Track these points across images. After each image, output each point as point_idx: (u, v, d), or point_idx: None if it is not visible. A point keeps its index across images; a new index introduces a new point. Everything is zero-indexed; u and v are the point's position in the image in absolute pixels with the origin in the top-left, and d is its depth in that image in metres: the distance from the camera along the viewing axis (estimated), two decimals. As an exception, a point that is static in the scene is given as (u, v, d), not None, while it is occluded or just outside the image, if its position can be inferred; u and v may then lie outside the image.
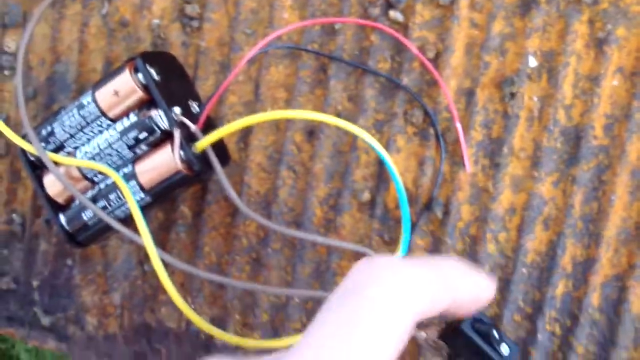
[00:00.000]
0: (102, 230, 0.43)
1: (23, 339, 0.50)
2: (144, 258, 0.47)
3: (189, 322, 0.46)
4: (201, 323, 0.41)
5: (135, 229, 0.41)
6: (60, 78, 0.48)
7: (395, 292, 0.29)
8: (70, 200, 0.44)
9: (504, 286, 0.43)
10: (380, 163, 0.43)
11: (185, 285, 0.46)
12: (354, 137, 0.43)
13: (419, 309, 0.29)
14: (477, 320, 0.38)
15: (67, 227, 0.44)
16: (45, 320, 0.50)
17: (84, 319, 0.49)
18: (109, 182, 0.42)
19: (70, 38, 0.47)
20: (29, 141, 0.42)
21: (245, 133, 0.45)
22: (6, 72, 0.48)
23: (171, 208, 0.46)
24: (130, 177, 0.42)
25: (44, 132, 0.43)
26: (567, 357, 0.43)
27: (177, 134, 0.41)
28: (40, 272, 0.49)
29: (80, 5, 0.47)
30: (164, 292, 0.46)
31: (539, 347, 0.43)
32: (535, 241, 0.42)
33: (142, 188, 0.42)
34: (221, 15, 0.45)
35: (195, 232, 0.46)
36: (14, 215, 0.49)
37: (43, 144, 0.43)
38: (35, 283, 0.50)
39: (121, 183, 0.41)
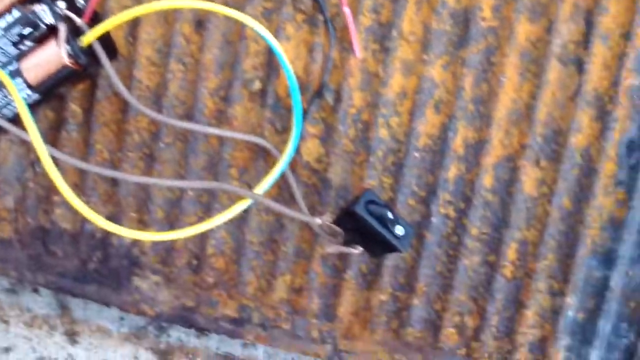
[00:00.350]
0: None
1: None
2: (35, 159, 0.45)
3: (84, 222, 0.45)
4: (96, 219, 0.40)
5: (24, 129, 0.40)
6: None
7: None
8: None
9: (397, 171, 0.42)
10: (270, 52, 0.42)
11: (79, 185, 0.45)
12: (243, 27, 0.42)
13: None
14: (370, 202, 0.38)
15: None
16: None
17: (-22, 225, 0.48)
18: None
19: None
20: None
21: (133, 26, 0.44)
22: None
23: (60, 106, 0.45)
24: (15, 74, 0.41)
25: None
26: (461, 239, 0.43)
27: (62, 28, 0.40)
28: None
29: None
30: (57, 192, 0.45)
31: (433, 231, 0.43)
32: (427, 125, 0.42)
33: (28, 85, 0.41)
34: None
35: (86, 129, 0.45)
36: None
37: None
38: None
39: (7, 80, 0.40)
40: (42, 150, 0.39)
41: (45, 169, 0.39)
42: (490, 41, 0.41)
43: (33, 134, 0.39)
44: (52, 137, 0.45)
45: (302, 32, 0.42)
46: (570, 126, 0.41)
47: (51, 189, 0.45)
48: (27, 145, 0.45)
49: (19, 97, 0.40)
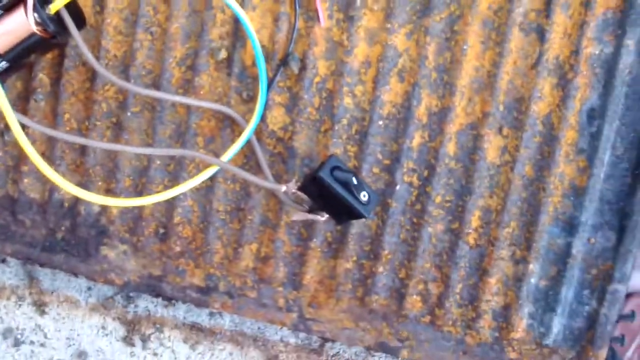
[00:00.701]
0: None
1: None
2: (4, 128, 0.46)
3: (52, 192, 0.45)
4: (66, 185, 0.41)
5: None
6: None
7: None
8: None
9: (362, 139, 0.43)
10: (236, 21, 0.42)
11: (47, 154, 0.45)
12: None
13: None
14: (335, 168, 0.38)
15: None
16: None
17: (-53, 196, 0.48)
18: None
19: None
20: None
21: (99, -3, 0.44)
22: None
23: (29, 76, 0.45)
24: None
25: None
26: (425, 206, 0.43)
27: (29, -2, 0.40)
28: None
29: None
30: (26, 162, 0.45)
31: (397, 198, 0.43)
32: (390, 93, 0.42)
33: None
34: None
35: (54, 99, 0.45)
36: None
37: None
38: None
39: None
40: (12, 119, 0.39)
41: (15, 137, 0.39)
42: (452, 9, 0.42)
43: (2, 102, 0.39)
44: (21, 106, 0.45)
45: (267, 1, 0.43)
46: (532, 94, 0.42)
47: (20, 158, 0.46)
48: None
49: None
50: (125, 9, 0.44)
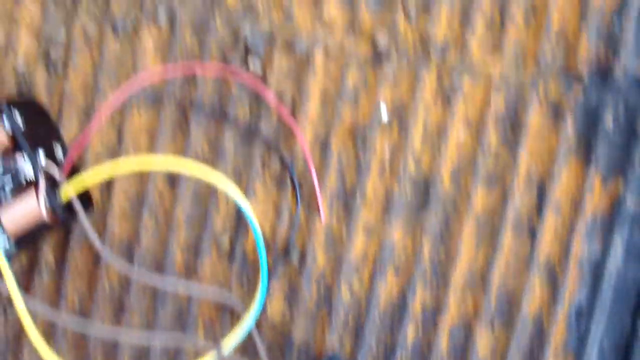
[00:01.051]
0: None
1: None
2: (7, 304, 0.47)
3: (51, 367, 0.46)
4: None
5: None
6: None
7: None
8: None
9: (358, 330, 0.44)
10: (239, 210, 0.44)
11: (48, 330, 0.46)
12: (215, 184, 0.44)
13: None
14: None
15: None
16: None
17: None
18: None
19: None
20: None
21: (107, 183, 0.45)
22: None
23: (35, 253, 0.46)
24: None
25: None
26: (417, 398, 0.44)
27: (42, 183, 0.42)
28: None
29: None
30: (27, 337, 0.46)
31: (390, 390, 0.44)
32: (387, 287, 0.44)
33: (7, 236, 0.42)
34: (85, 60, 0.45)
35: (58, 277, 0.46)
36: None
37: None
38: None
39: None
40: (18, 299, 0.40)
41: (17, 315, 0.40)
42: (448, 208, 0.43)
43: (10, 283, 0.41)
44: (25, 281, 0.46)
45: (270, 193, 0.44)
46: (523, 292, 0.43)
47: (22, 332, 0.47)
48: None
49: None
50: (132, 193, 0.45)
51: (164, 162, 0.43)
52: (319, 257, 0.44)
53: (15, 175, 0.42)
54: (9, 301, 0.46)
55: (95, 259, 0.46)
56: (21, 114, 0.42)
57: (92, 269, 0.46)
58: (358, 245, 0.44)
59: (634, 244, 0.42)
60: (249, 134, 0.44)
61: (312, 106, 0.44)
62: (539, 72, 0.42)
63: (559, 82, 0.42)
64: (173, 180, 0.45)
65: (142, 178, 0.45)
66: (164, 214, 0.45)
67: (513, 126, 0.43)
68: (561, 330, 0.43)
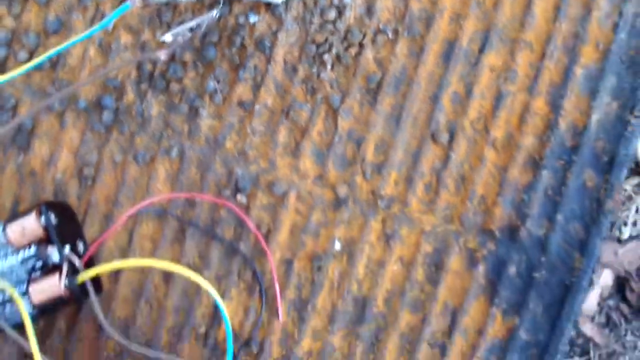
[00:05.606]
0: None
1: None
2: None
3: (52, 415, 0.59)
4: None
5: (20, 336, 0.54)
6: (-26, 208, 0.61)
7: None
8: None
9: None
10: (216, 307, 0.57)
11: (53, 384, 0.59)
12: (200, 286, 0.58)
13: None
14: None
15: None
16: None
17: (-34, 403, 0.61)
18: (6, 297, 0.55)
19: (-13, 178, 0.61)
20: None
21: (117, 270, 0.59)
22: None
23: (51, 321, 0.59)
24: (23, 294, 0.55)
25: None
26: None
27: (65, 268, 0.55)
28: None
29: (1, 152, 0.60)
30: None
31: None
32: (323, 379, 0.57)
33: (32, 304, 0.55)
34: (110, 179, 0.59)
35: (66, 342, 0.59)
36: None
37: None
38: None
39: (17, 298, 0.54)
40: (37, 356, 0.53)
41: None
42: (379, 323, 0.57)
43: (32, 343, 0.53)
44: (40, 342, 0.59)
45: (242, 296, 0.58)
46: (428, 395, 0.56)
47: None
48: (16, 349, 0.59)
49: (25, 312, 0.54)
50: (134, 284, 0.59)
51: (162, 264, 0.57)
52: (274, 350, 0.57)
53: (45, 261, 0.55)
54: (30, 357, 0.58)
55: (98, 332, 0.59)
56: (55, 214, 0.55)
57: (95, 339, 0.59)
58: (306, 343, 0.57)
59: (513, 366, 0.56)
60: (231, 250, 0.58)
61: (283, 235, 0.58)
62: (462, 228, 0.56)
63: (477, 237, 0.56)
64: (167, 277, 0.58)
65: (143, 273, 0.59)
66: (157, 303, 0.58)
67: (437, 267, 0.57)
68: None
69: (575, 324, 0.76)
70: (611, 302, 1.14)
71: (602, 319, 1.13)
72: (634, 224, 1.07)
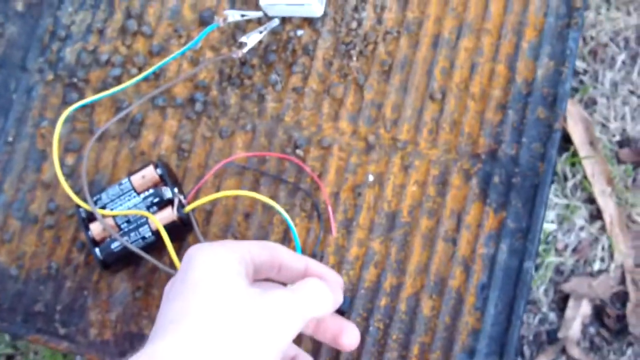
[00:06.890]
0: (124, 257, 0.76)
1: (45, 343, 0.78)
2: (135, 289, 0.79)
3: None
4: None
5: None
6: (97, 183, 0.83)
7: (211, 263, 0.54)
8: (103, 239, 0.77)
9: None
10: (286, 231, 0.78)
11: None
12: (273, 216, 0.79)
13: (239, 259, 0.58)
14: None
15: (100, 256, 0.76)
16: (62, 331, 0.79)
17: (89, 330, 0.79)
18: (131, 226, 0.76)
19: (107, 160, 0.83)
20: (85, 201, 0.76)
21: (207, 215, 0.80)
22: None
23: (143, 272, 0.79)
24: (145, 223, 0.76)
25: (95, 199, 0.77)
26: None
27: (176, 201, 0.76)
28: (63, 300, 0.80)
29: (117, 141, 0.84)
30: (146, 309, 0.77)
31: None
32: (369, 275, 0.77)
33: (151, 230, 0.76)
34: (201, 150, 0.82)
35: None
36: (52, 264, 0.81)
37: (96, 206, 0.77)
38: (58, 307, 0.80)
39: (154, 218, 0.75)
40: (171, 251, 0.73)
41: (142, 296, 0.72)
42: (406, 229, 0.78)
43: (168, 243, 0.73)
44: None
45: (304, 222, 0.79)
46: (449, 276, 0.77)
47: (141, 307, 0.78)
48: (131, 281, 0.78)
49: (161, 226, 0.74)
50: (221, 222, 0.80)
51: (250, 193, 0.78)
52: (330, 258, 0.78)
53: (161, 197, 0.77)
54: (137, 287, 0.77)
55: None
56: (164, 167, 0.78)
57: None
58: (354, 250, 0.78)
59: (513, 246, 0.77)
60: (294, 190, 0.81)
61: (331, 175, 0.80)
62: (458, 155, 0.80)
63: (469, 160, 0.79)
64: (247, 215, 0.80)
65: (228, 215, 0.80)
66: (241, 235, 0.79)
67: (443, 184, 0.79)
68: (472, 297, 0.76)
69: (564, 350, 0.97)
70: (592, 329, 1.35)
71: (587, 344, 1.33)
72: (602, 259, 1.32)
